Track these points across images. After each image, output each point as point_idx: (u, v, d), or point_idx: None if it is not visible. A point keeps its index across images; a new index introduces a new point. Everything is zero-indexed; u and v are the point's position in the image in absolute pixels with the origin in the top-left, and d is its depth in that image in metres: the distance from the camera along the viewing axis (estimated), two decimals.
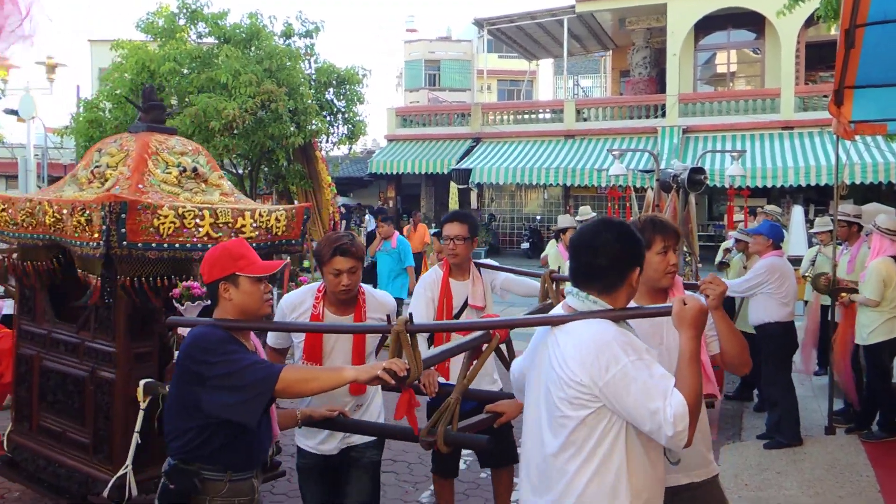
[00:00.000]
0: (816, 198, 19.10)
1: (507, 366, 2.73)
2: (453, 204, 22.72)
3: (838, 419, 5.96)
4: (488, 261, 4.17)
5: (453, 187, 22.32)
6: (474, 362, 2.50)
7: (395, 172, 23.10)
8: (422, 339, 3.22)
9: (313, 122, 10.19)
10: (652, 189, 7.74)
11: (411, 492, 4.75)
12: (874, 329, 5.47)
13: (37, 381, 4.05)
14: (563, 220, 8.40)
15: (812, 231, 8.42)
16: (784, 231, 6.65)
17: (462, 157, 22.08)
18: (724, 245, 8.72)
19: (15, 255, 4.09)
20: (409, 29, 38.70)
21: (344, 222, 19.13)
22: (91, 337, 3.70)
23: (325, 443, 3.06)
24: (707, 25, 21.39)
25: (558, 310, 2.19)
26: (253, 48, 10.32)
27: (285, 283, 4.08)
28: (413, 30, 38.48)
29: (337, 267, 2.89)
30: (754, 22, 20.82)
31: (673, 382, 1.91)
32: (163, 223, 3.38)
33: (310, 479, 3.14)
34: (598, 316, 2.02)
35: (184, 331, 3.03)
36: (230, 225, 3.62)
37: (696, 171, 6.34)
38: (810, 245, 9.04)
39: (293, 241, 4.00)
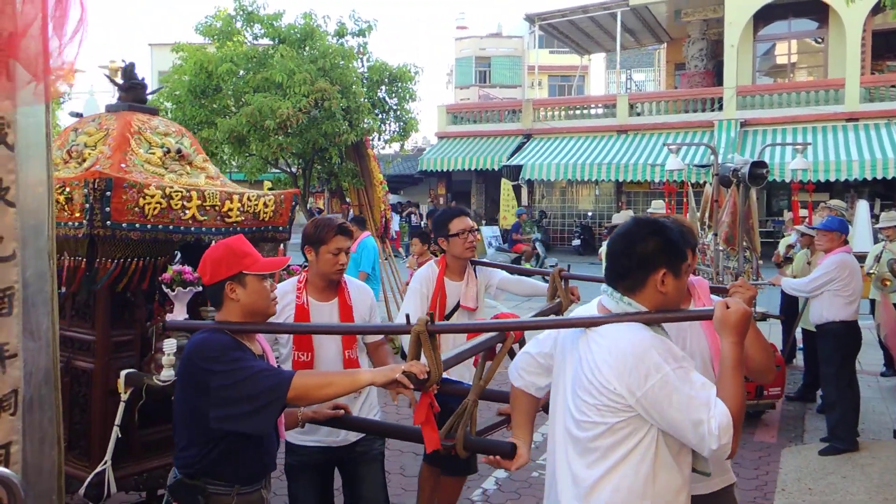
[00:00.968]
0: (883, 192, 18.37)
1: None
2: (506, 201, 22.64)
3: None
4: (484, 259, 4.12)
5: (505, 184, 22.24)
6: (488, 363, 2.40)
7: (445, 170, 23.15)
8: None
9: (366, 119, 10.27)
10: (710, 184, 7.55)
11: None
12: None
13: None
14: (618, 217, 8.29)
15: (878, 226, 8.10)
16: (849, 226, 6.44)
17: (513, 154, 21.98)
18: (785, 241, 8.46)
19: None
20: (459, 26, 38.71)
21: (395, 217, 19.27)
22: (67, 325, 3.42)
23: (332, 434, 2.99)
24: (766, 15, 20.75)
25: (591, 308, 2.10)
26: (307, 48, 10.46)
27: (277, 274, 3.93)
28: (463, 27, 38.47)
29: (338, 246, 2.98)
30: (816, 10, 20.09)
31: (715, 392, 1.82)
32: (149, 203, 3.18)
33: (303, 479, 3.04)
34: (633, 319, 1.92)
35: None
36: (217, 208, 3.45)
37: (758, 164, 6.15)
38: (875, 241, 8.68)
39: (280, 228, 3.84)
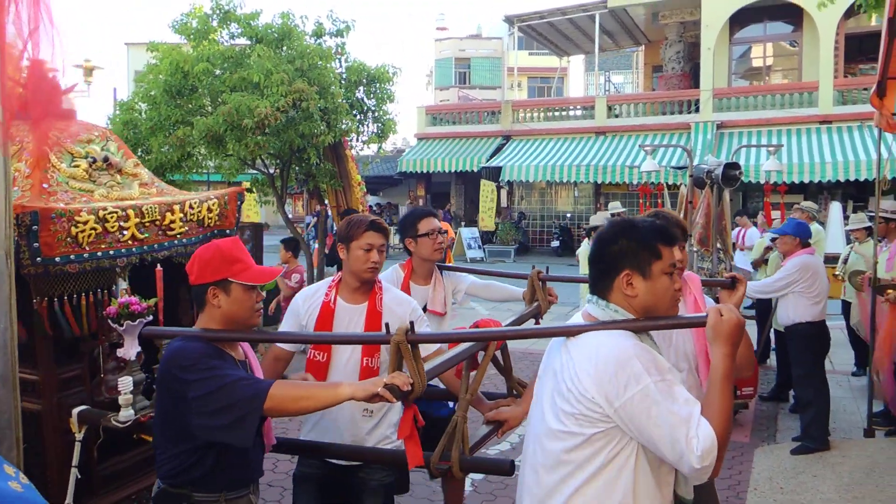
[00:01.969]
0: (856, 194, 18.66)
1: (504, 374, 2.59)
2: (486, 202, 22.67)
3: (878, 421, 5.79)
4: (452, 264, 4.04)
5: (485, 185, 22.26)
6: (472, 373, 2.34)
7: (424, 171, 23.13)
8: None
9: (343, 120, 10.21)
10: (685, 185, 7.63)
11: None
12: None
13: None
14: (596, 219, 8.36)
15: (847, 228, 8.24)
16: (821, 228, 6.58)
17: (492, 156, 22.03)
18: (760, 242, 8.56)
19: None
20: (439, 27, 38.75)
21: None
22: None
23: None
24: (742, 18, 21.01)
25: (578, 318, 2.01)
26: (284, 48, 10.38)
27: None
28: (443, 28, 38.52)
29: (369, 241, 2.82)
30: (791, 14, 20.38)
31: (699, 409, 1.71)
32: (82, 231, 2.89)
33: (304, 490, 2.89)
34: (618, 327, 1.83)
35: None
36: (158, 223, 3.20)
37: (731, 166, 6.22)
38: (848, 242, 8.84)
39: (228, 232, 3.57)
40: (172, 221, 3.26)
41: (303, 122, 9.67)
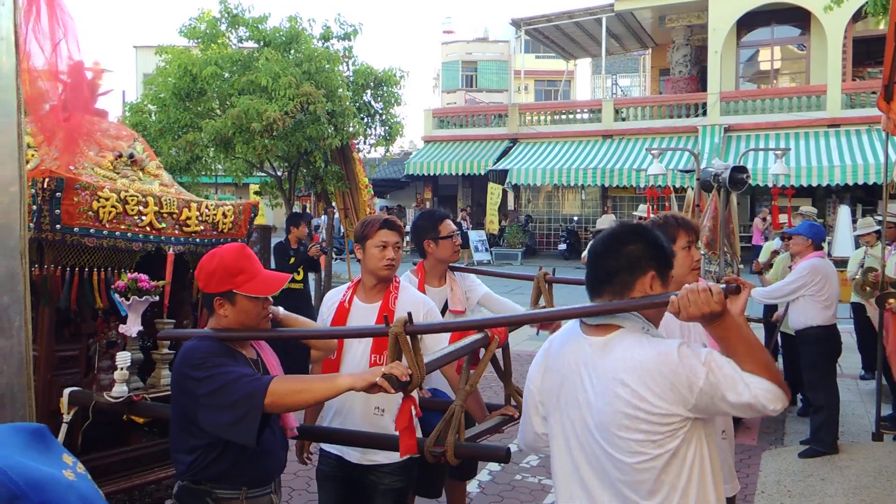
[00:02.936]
0: (864, 197, 18.59)
1: (502, 375, 2.55)
2: (493, 205, 22.69)
3: (886, 425, 5.77)
4: (463, 265, 4.08)
5: (493, 188, 22.28)
6: (473, 369, 2.34)
7: (431, 174, 23.17)
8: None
9: (351, 123, 10.27)
10: (692, 189, 7.62)
11: None
12: None
13: None
14: (603, 222, 8.38)
15: (856, 233, 8.20)
16: (825, 232, 6.52)
17: (499, 159, 22.05)
18: (768, 245, 8.53)
19: None
20: (446, 30, 38.80)
21: None
22: None
23: (348, 447, 2.85)
24: (750, 22, 20.98)
25: (575, 326, 1.96)
26: (292, 51, 10.46)
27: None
28: (450, 31, 38.56)
29: (383, 239, 2.89)
30: (799, 17, 20.34)
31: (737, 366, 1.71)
32: (103, 207, 2.92)
33: (324, 487, 2.93)
34: (618, 308, 1.81)
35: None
36: (175, 216, 3.24)
37: (739, 169, 6.21)
38: (857, 246, 8.80)
39: (239, 241, 3.54)
40: (188, 218, 3.30)
41: (310, 125, 9.73)
